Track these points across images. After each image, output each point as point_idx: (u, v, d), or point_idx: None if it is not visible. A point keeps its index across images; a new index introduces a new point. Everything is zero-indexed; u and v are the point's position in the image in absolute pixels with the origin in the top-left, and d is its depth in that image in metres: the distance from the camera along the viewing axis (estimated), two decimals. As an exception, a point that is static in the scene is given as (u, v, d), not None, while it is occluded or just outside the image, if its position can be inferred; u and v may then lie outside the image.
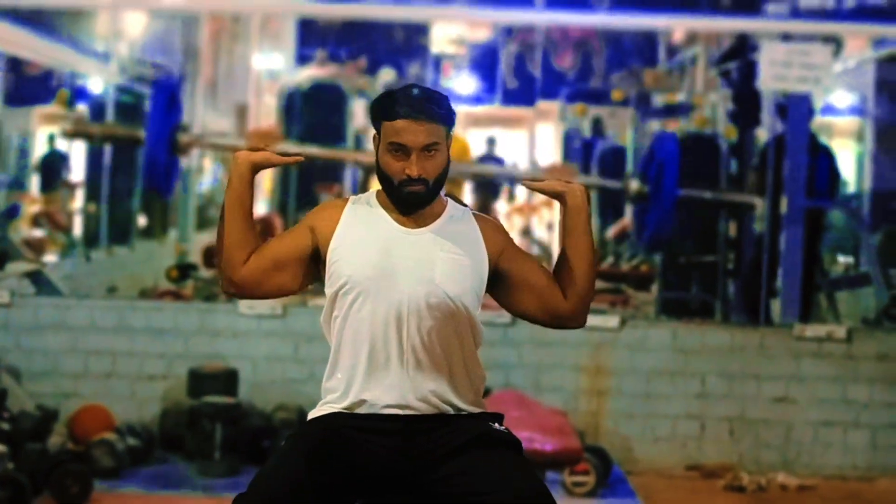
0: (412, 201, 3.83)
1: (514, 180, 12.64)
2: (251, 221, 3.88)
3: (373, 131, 3.91)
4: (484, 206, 15.14)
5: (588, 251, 3.91)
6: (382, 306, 3.78)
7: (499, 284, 3.93)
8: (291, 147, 9.73)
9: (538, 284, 3.89)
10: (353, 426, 3.80)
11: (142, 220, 14.20)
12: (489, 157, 16.34)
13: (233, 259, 3.85)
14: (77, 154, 13.37)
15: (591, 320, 8.90)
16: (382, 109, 3.84)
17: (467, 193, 14.95)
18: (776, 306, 9.73)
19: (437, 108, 3.82)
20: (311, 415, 3.92)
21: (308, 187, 12.92)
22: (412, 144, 3.78)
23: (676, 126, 15.43)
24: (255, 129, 3.64)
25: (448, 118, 3.85)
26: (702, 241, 10.92)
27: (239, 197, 3.87)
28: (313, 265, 3.91)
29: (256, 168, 3.89)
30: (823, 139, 11.45)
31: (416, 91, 3.87)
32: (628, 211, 14.92)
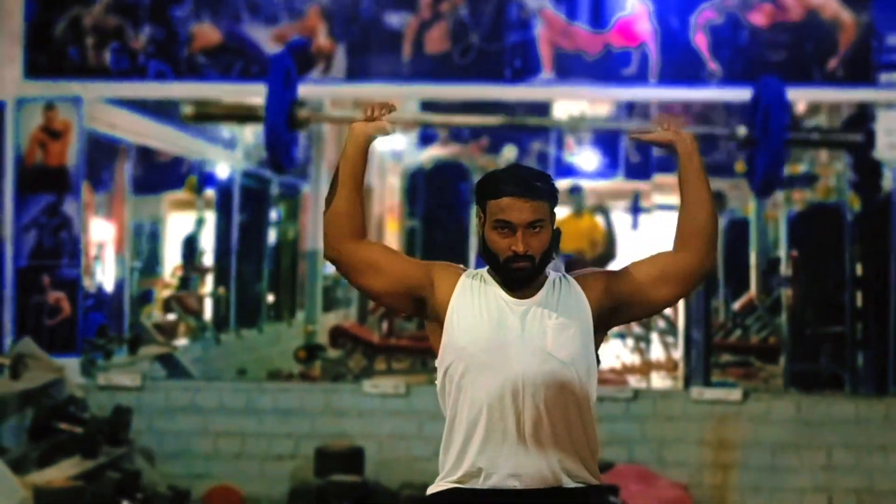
0: (518, 277, 3.89)
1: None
2: (361, 192, 3.97)
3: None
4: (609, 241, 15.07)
5: (705, 194, 3.97)
6: (498, 379, 3.84)
7: (625, 307, 3.98)
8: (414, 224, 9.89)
9: (656, 271, 3.95)
10: (468, 502, 3.86)
11: (270, 300, 14.39)
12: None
13: (341, 227, 3.94)
14: (206, 239, 13.65)
15: (714, 394, 8.93)
16: (487, 188, 3.93)
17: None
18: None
19: (541, 185, 3.90)
20: (430, 490, 3.99)
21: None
22: (518, 221, 3.86)
23: (801, 197, 15.35)
24: (370, 101, 3.73)
25: (552, 195, 3.93)
26: (828, 312, 10.83)
27: (353, 166, 3.97)
28: (409, 299, 3.97)
29: (371, 138, 4.01)
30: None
31: (520, 170, 3.97)
32: (753, 283, 14.85)
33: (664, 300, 4.00)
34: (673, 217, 4.03)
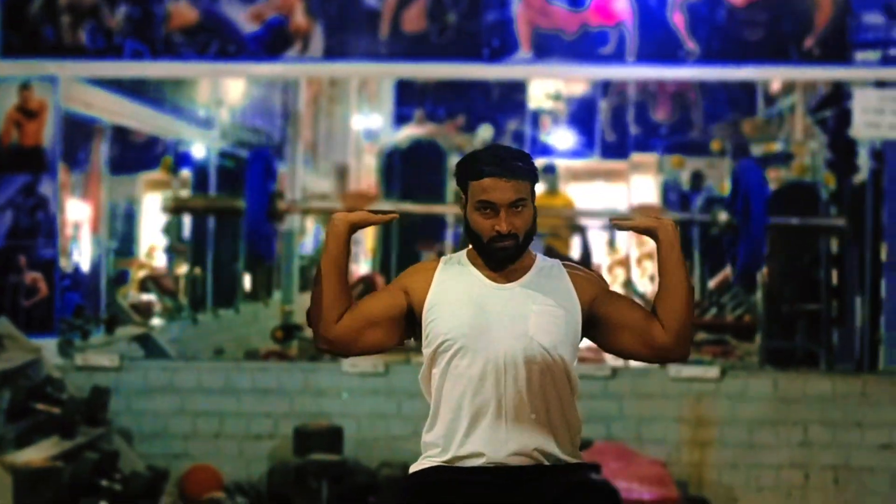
0: (503, 257, 3.91)
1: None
2: (346, 282, 3.99)
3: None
4: (585, 260, 15.15)
5: (683, 283, 3.94)
6: (480, 362, 3.87)
7: (597, 328, 3.99)
8: (388, 205, 9.91)
9: (635, 321, 3.94)
10: (452, 479, 3.88)
11: (247, 283, 14.39)
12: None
13: (327, 317, 3.95)
14: (182, 218, 13.61)
15: (692, 371, 8.95)
16: (468, 169, 3.94)
17: (575, 248, 15.01)
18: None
19: (522, 165, 3.92)
20: (413, 468, 4.00)
21: (410, 246, 13.02)
22: (500, 201, 3.87)
23: (776, 175, 15.38)
24: (350, 190, 3.75)
25: (532, 174, 3.95)
26: (804, 290, 10.88)
27: (335, 259, 3.97)
28: (405, 324, 4.00)
29: (353, 228, 3.99)
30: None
31: (500, 150, 3.98)
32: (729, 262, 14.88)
33: (629, 353, 4.01)
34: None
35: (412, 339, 4.07)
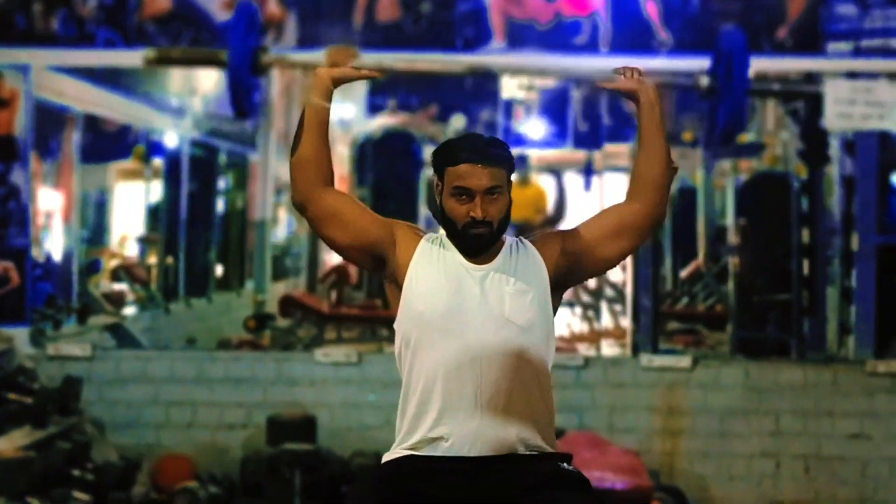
0: (476, 244, 3.91)
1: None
2: (326, 138, 3.98)
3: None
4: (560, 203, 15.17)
5: (663, 143, 4.01)
6: (455, 345, 3.85)
7: (581, 264, 4.01)
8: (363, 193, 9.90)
9: (608, 225, 3.99)
10: (423, 468, 3.86)
11: (219, 270, 14.37)
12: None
13: (307, 172, 3.94)
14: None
15: (663, 360, 8.99)
16: (445, 156, 3.94)
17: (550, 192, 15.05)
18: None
19: (498, 152, 3.92)
20: (385, 457, 3.98)
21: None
22: (476, 188, 3.87)
23: (748, 166, 15.43)
24: (332, 46, 3.69)
25: (508, 162, 3.95)
26: (775, 280, 10.92)
27: (318, 111, 3.97)
28: (369, 253, 3.97)
29: (336, 83, 3.99)
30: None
31: (476, 137, 3.99)
32: (701, 251, 14.93)
33: (619, 253, 4.02)
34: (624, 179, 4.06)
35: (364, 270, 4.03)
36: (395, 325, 3.94)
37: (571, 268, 3.99)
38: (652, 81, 4.07)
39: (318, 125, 3.97)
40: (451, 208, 3.91)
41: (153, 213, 13.77)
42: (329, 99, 4.00)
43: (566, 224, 13.77)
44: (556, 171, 15.53)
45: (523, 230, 11.31)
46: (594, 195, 15.85)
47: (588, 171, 16.64)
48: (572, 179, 17.52)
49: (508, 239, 4.01)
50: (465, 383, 3.85)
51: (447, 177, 3.91)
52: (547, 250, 3.98)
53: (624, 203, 4.03)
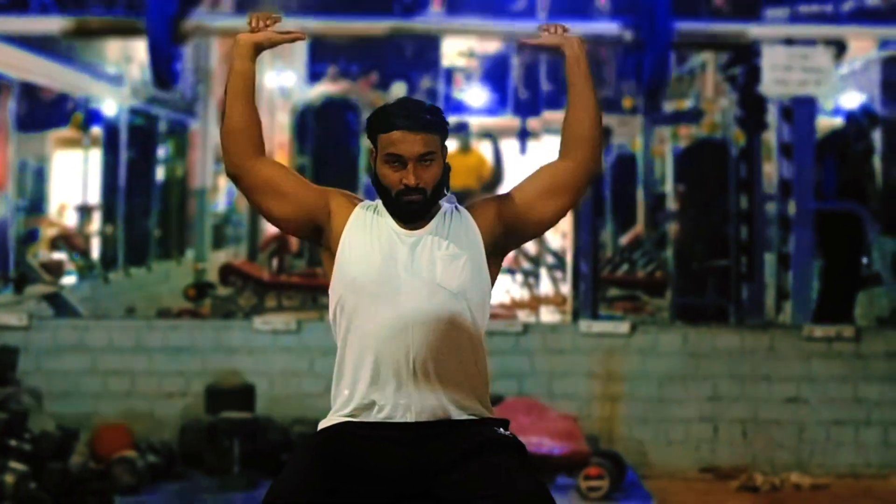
0: (410, 211, 3.90)
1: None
2: (254, 105, 3.96)
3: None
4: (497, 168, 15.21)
5: (592, 97, 3.99)
6: (387, 311, 3.85)
7: (521, 224, 3.99)
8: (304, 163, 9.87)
9: (542, 188, 3.97)
10: (360, 434, 3.87)
11: (157, 233, 14.27)
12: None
13: (239, 143, 3.92)
14: (93, 176, 13.49)
15: (602, 326, 9.03)
16: (378, 122, 3.92)
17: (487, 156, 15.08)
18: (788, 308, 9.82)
19: (431, 118, 3.90)
20: (322, 425, 3.99)
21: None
22: (408, 154, 3.86)
23: (687, 133, 15.52)
24: (254, 12, 3.65)
25: (442, 128, 3.94)
26: (714, 246, 10.99)
27: (243, 79, 3.95)
28: (305, 223, 3.96)
29: (258, 48, 3.97)
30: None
31: (410, 103, 3.96)
32: (640, 218, 15.02)
33: (556, 213, 4.00)
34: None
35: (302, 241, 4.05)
36: (330, 291, 3.94)
37: (508, 231, 3.98)
38: (577, 35, 4.05)
39: (244, 92, 3.94)
40: (385, 175, 3.90)
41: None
42: (253, 64, 3.97)
43: (503, 189, 13.79)
44: (491, 135, 15.56)
45: (464, 197, 11.37)
46: (531, 159, 15.92)
47: (523, 134, 16.72)
48: (510, 145, 17.60)
49: (444, 205, 3.99)
50: (398, 349, 3.85)
51: (380, 143, 3.90)
52: (482, 216, 3.98)
53: (557, 161, 4.02)
